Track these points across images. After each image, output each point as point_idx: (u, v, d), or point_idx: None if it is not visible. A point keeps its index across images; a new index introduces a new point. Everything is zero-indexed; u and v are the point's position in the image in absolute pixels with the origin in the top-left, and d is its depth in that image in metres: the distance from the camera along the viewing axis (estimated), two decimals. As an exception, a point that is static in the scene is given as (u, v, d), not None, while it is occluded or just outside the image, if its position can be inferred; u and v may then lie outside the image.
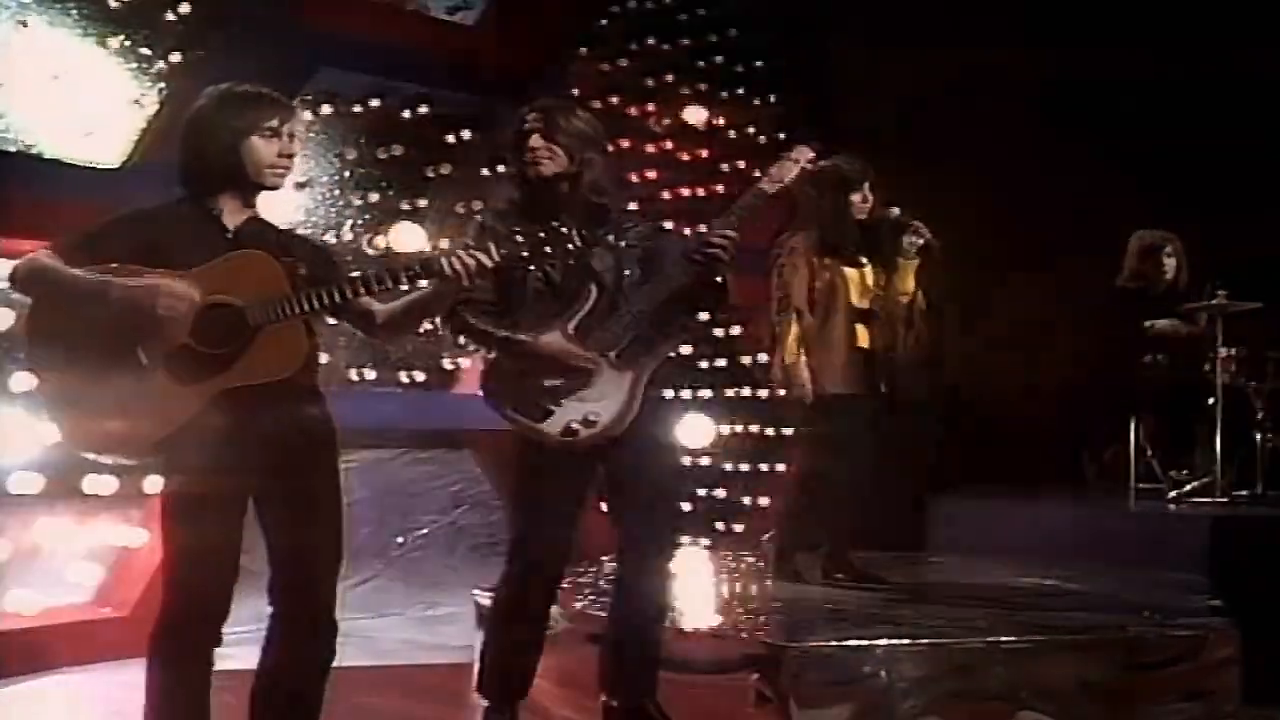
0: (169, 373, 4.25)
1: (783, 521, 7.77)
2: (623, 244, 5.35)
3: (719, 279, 5.28)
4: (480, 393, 5.35)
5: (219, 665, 4.53)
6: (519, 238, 4.94)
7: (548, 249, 4.98)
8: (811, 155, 5.62)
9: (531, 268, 5.20)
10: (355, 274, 4.46)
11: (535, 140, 5.23)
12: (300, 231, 4.82)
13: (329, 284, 4.42)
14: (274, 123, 4.42)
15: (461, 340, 5.78)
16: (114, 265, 4.25)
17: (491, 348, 5.34)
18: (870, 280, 7.17)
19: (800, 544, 7.44)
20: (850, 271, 7.14)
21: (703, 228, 5.48)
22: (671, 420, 5.75)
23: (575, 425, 5.13)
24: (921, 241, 7.10)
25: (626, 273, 5.32)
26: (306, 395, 4.56)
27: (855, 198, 7.12)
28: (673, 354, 9.64)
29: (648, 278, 5.32)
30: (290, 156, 4.48)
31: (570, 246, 5.18)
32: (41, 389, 4.38)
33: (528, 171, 5.26)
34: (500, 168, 9.13)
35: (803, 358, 7.04)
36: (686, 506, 10.03)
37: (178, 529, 4.40)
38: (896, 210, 7.13)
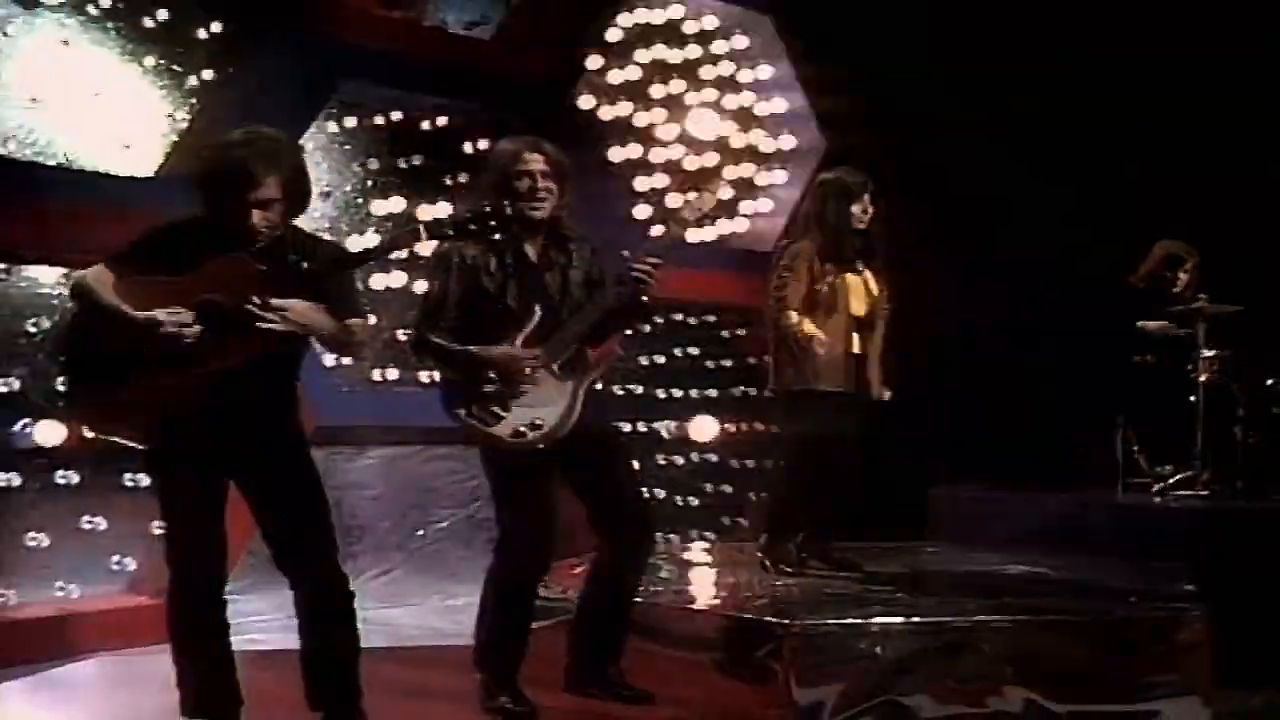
0: (169, 366, 5.03)
1: (769, 514, 8.28)
2: (572, 267, 5.98)
3: (643, 299, 5.91)
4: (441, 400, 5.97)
5: (252, 647, 5.14)
6: (492, 263, 5.81)
7: (513, 276, 5.82)
8: (722, 186, 6.22)
9: (491, 290, 5.85)
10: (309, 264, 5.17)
11: (543, 182, 5.82)
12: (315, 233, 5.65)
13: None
14: (235, 193, 5.02)
15: (419, 358, 6.36)
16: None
17: (448, 363, 5.90)
18: (872, 287, 7.63)
19: (788, 535, 7.93)
20: (851, 278, 7.58)
21: (625, 253, 6.15)
22: (613, 415, 6.36)
23: (523, 429, 5.74)
24: None
25: (571, 294, 5.94)
26: (278, 397, 5.31)
27: (855, 208, 7.58)
28: (680, 354, 10.07)
29: (588, 298, 5.94)
30: (251, 223, 5.06)
31: (531, 272, 5.90)
32: (67, 381, 5.42)
33: (527, 210, 5.81)
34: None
35: (811, 327, 7.48)
36: (697, 502, 10.43)
37: (170, 501, 5.27)
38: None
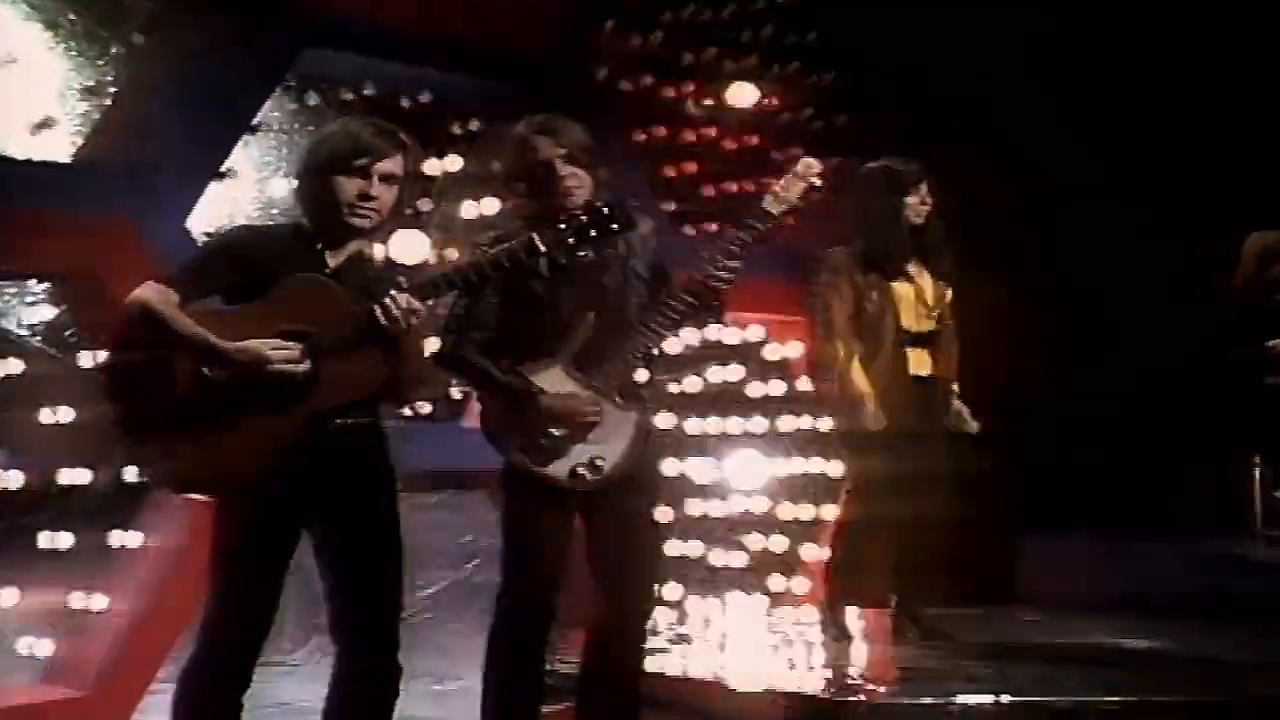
0: (262, 404, 5.00)
1: (829, 575, 8.07)
2: (633, 258, 5.86)
3: (718, 302, 5.78)
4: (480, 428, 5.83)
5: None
6: (542, 264, 5.54)
7: (567, 279, 5.70)
8: (819, 169, 5.94)
9: (541, 296, 5.72)
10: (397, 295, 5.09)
11: (564, 168, 5.68)
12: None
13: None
14: (360, 161, 5.14)
15: (450, 375, 6.11)
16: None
17: (490, 390, 5.79)
18: (928, 296, 7.36)
19: (849, 599, 7.70)
20: (901, 288, 7.32)
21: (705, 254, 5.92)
22: (653, 458, 6.12)
23: (581, 470, 5.65)
24: None
25: (635, 294, 5.84)
26: (370, 435, 5.34)
27: (911, 199, 7.33)
28: (718, 379, 9.87)
29: (653, 297, 5.80)
30: (370, 199, 5.18)
31: (587, 272, 5.74)
32: (125, 430, 5.15)
33: (559, 202, 5.60)
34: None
35: (865, 385, 7.25)
36: (740, 559, 10.22)
37: (232, 555, 5.21)
38: None
